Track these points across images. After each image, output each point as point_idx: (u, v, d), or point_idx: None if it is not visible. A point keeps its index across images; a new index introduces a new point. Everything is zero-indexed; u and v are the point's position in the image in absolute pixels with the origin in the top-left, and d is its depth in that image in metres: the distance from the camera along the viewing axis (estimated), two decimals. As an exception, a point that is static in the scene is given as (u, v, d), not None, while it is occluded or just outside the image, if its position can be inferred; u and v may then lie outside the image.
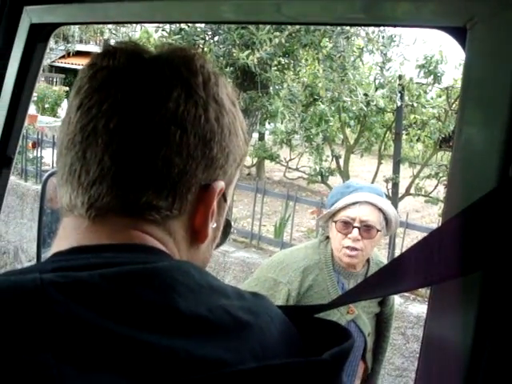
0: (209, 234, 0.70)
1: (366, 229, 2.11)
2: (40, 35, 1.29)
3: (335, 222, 2.16)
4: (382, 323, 2.31)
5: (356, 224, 2.10)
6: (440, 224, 0.69)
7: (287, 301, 2.08)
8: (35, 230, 1.41)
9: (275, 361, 0.57)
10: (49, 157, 7.42)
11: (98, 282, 0.53)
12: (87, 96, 0.65)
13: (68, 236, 0.65)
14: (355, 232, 2.10)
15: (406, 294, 4.68)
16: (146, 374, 0.51)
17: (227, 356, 0.55)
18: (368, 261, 2.26)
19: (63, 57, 20.35)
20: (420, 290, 4.66)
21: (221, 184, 0.69)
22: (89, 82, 0.67)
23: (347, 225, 2.12)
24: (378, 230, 2.11)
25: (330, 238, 2.21)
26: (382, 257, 2.41)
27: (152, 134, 0.63)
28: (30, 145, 7.71)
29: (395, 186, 8.13)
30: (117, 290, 0.54)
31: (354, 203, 2.12)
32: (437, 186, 8.27)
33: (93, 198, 0.63)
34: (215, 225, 0.72)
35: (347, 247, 2.12)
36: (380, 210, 2.13)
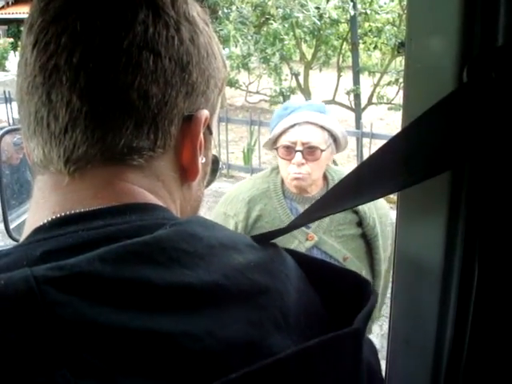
0: (199, 170, 0.64)
1: (310, 151, 1.96)
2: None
3: (277, 148, 2.03)
4: (367, 245, 2.14)
5: (298, 148, 1.96)
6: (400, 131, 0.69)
7: None
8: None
9: (310, 341, 0.52)
10: (3, 113, 7.19)
11: (98, 270, 0.46)
12: (42, 31, 0.57)
13: (47, 199, 0.58)
14: (298, 156, 1.95)
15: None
16: (176, 373, 0.46)
17: (252, 333, 0.51)
18: (326, 180, 2.10)
19: (2, 7, 19.49)
20: (393, 196, 4.75)
21: (205, 113, 0.63)
22: (41, 15, 0.58)
23: (289, 149, 1.98)
24: (321, 150, 1.96)
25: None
26: (345, 171, 2.22)
27: (122, 64, 0.56)
28: (-20, 104, 7.46)
29: (357, 96, 8.14)
30: (122, 276, 0.47)
31: (292, 125, 1.98)
32: (398, 92, 8.29)
33: (68, 149, 0.56)
34: (204, 159, 0.66)
35: (292, 173, 1.98)
36: (323, 128, 1.98)
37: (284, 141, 1.99)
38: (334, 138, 2.02)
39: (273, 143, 2.06)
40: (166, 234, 0.53)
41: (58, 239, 0.52)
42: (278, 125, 2.01)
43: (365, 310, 0.58)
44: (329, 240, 2.05)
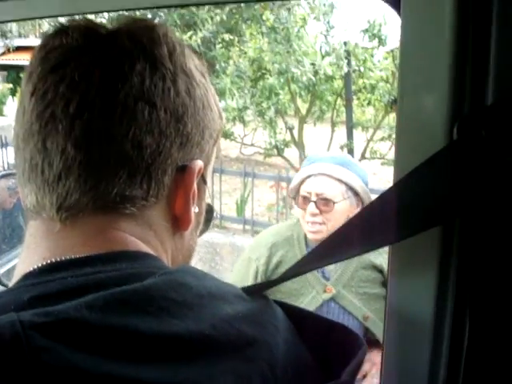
0: (192, 220, 0.64)
1: (323, 202, 1.97)
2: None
3: (295, 198, 2.08)
4: None
5: (313, 198, 1.98)
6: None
7: (256, 278, 2.03)
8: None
9: None
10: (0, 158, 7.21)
11: (85, 317, 0.46)
12: (40, 80, 0.58)
13: (38, 244, 0.58)
14: (311, 207, 1.97)
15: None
16: None
17: None
18: None
19: (3, 53, 19.76)
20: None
21: (199, 163, 0.63)
22: (41, 64, 0.59)
23: (305, 200, 2.00)
24: (334, 203, 1.96)
25: None
26: None
27: (117, 114, 0.56)
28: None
29: (350, 151, 8.22)
30: (109, 324, 0.47)
31: (308, 176, 2.01)
32: (391, 147, 8.38)
33: (61, 196, 0.56)
34: (197, 209, 0.66)
35: (307, 222, 2.00)
36: (340, 180, 1.97)
37: (302, 191, 2.03)
38: (356, 192, 2.02)
39: (295, 193, 2.09)
40: (155, 282, 0.52)
41: (47, 285, 0.51)
42: (297, 175, 2.07)
43: (353, 363, 0.58)
44: (348, 295, 2.01)
